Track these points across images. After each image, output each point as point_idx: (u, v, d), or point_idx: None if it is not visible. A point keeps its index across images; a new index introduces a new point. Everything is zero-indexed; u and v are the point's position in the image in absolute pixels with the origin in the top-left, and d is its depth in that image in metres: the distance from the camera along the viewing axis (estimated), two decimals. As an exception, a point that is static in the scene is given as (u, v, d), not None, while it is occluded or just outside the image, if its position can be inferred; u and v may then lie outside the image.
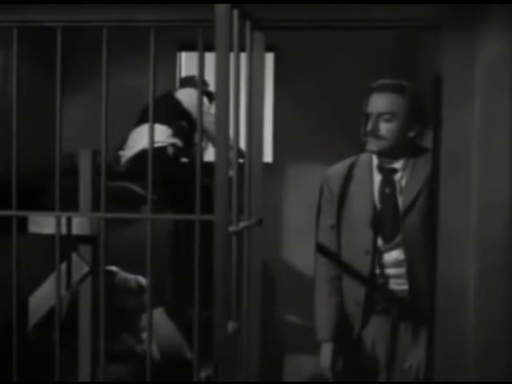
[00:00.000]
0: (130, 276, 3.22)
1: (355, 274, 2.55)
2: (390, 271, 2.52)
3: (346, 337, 2.60)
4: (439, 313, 1.86)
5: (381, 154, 2.50)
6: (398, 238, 2.49)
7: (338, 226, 2.60)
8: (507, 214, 1.82)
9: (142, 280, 3.21)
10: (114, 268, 3.19)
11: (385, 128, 2.46)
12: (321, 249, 2.64)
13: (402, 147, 2.48)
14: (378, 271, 2.53)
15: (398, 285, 2.51)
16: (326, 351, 2.61)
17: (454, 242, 1.84)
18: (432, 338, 1.89)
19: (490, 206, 1.82)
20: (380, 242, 2.52)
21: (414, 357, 2.51)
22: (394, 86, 2.47)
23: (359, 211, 2.55)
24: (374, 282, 2.53)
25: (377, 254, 2.51)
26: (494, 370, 1.84)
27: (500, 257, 1.82)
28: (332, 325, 2.60)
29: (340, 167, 2.63)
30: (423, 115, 2.46)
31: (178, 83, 4.50)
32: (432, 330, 1.89)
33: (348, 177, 2.59)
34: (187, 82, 4.29)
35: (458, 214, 1.84)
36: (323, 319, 2.62)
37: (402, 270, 2.49)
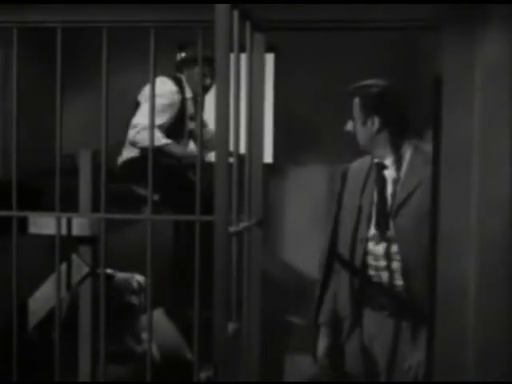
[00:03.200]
0: (128, 275, 3.21)
1: (347, 264, 2.66)
2: (382, 263, 2.56)
3: (338, 327, 2.71)
4: (439, 313, 1.86)
5: (366, 151, 2.66)
6: (389, 232, 2.54)
7: (339, 215, 2.73)
8: (507, 213, 1.82)
9: (140, 278, 3.20)
10: (109, 271, 3.18)
11: (357, 130, 2.64)
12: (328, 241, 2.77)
13: (375, 144, 2.60)
14: (371, 263, 2.58)
15: (393, 280, 2.54)
16: (322, 336, 2.74)
17: (453, 242, 1.84)
18: (432, 337, 1.89)
19: (490, 206, 1.82)
20: (373, 233, 2.58)
21: (413, 357, 2.51)
22: (358, 88, 2.63)
23: (356, 202, 2.65)
24: (365, 273, 2.59)
25: (367, 244, 2.59)
26: (494, 370, 1.84)
27: (500, 257, 1.82)
28: (328, 311, 2.72)
29: (362, 160, 2.76)
30: (380, 108, 2.58)
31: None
32: (432, 329, 1.89)
33: (366, 170, 2.70)
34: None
35: (458, 213, 1.84)
36: (321, 305, 2.74)
37: (395, 264, 2.52)
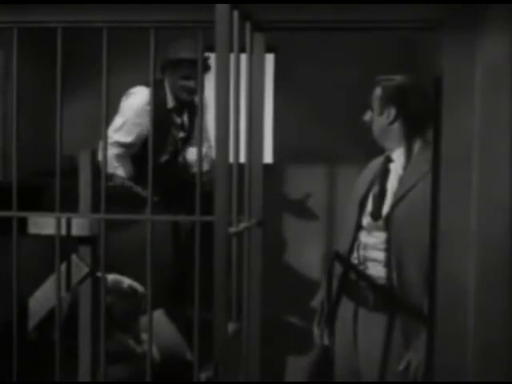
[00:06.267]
0: (122, 278, 3.19)
1: (337, 252, 2.74)
2: (370, 253, 2.60)
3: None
4: (439, 313, 1.86)
5: (378, 142, 2.69)
6: (380, 223, 2.56)
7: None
8: (507, 213, 1.82)
9: (137, 285, 3.17)
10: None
11: (370, 118, 2.69)
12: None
13: (386, 135, 2.63)
14: (361, 252, 2.62)
15: (377, 271, 2.55)
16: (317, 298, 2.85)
17: (453, 242, 1.84)
18: (432, 338, 1.89)
19: (490, 206, 1.82)
20: (366, 222, 2.63)
21: (412, 356, 2.51)
22: (381, 79, 2.67)
23: (362, 193, 2.70)
24: (352, 261, 2.65)
25: (360, 233, 2.64)
26: (494, 370, 1.84)
27: (500, 257, 1.82)
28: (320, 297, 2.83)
29: (380, 158, 2.79)
30: (398, 101, 2.61)
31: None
32: (432, 330, 1.89)
33: (378, 165, 2.75)
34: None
35: (458, 213, 1.84)
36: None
37: (381, 255, 2.54)
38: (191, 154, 3.95)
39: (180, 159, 4.00)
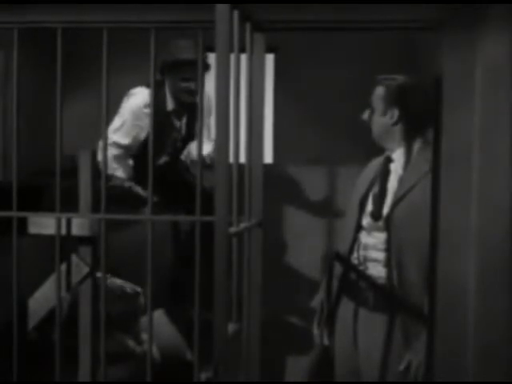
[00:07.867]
0: (116, 281, 3.18)
1: (338, 252, 2.75)
2: (370, 253, 2.60)
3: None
4: (439, 313, 1.86)
5: (378, 142, 2.67)
6: (381, 223, 2.56)
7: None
8: (507, 213, 1.82)
9: (132, 287, 3.16)
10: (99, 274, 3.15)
11: (374, 120, 2.65)
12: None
13: (387, 135, 2.62)
14: (361, 253, 2.62)
15: (378, 271, 2.55)
16: (318, 298, 2.83)
17: (453, 242, 1.84)
18: (432, 338, 1.89)
19: (491, 206, 1.82)
20: (366, 222, 2.62)
21: (412, 357, 2.51)
22: (383, 78, 2.65)
23: (361, 193, 2.69)
24: (352, 261, 2.65)
25: (360, 233, 2.64)
26: (494, 370, 1.84)
27: (500, 257, 1.82)
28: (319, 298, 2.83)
29: (380, 158, 2.78)
30: (402, 101, 2.59)
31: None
32: (432, 330, 1.89)
33: (378, 165, 2.74)
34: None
35: (458, 213, 1.84)
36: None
37: (381, 255, 2.54)
38: (193, 147, 3.95)
39: (185, 153, 3.99)
